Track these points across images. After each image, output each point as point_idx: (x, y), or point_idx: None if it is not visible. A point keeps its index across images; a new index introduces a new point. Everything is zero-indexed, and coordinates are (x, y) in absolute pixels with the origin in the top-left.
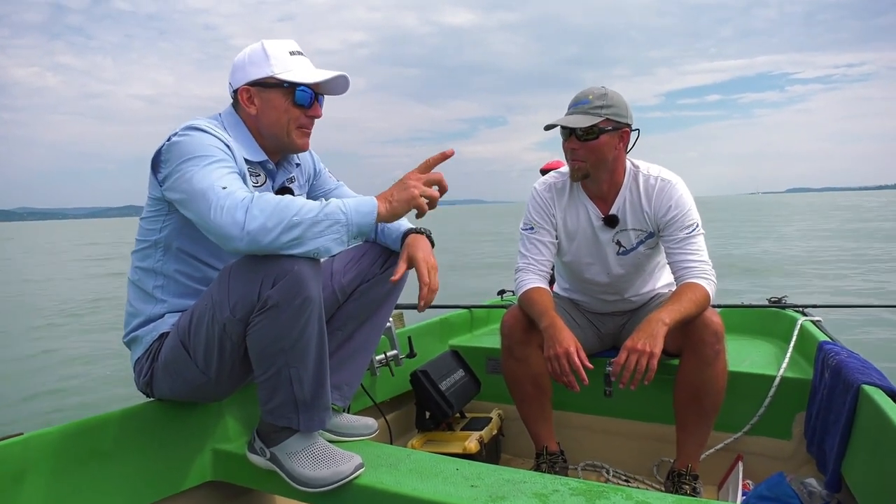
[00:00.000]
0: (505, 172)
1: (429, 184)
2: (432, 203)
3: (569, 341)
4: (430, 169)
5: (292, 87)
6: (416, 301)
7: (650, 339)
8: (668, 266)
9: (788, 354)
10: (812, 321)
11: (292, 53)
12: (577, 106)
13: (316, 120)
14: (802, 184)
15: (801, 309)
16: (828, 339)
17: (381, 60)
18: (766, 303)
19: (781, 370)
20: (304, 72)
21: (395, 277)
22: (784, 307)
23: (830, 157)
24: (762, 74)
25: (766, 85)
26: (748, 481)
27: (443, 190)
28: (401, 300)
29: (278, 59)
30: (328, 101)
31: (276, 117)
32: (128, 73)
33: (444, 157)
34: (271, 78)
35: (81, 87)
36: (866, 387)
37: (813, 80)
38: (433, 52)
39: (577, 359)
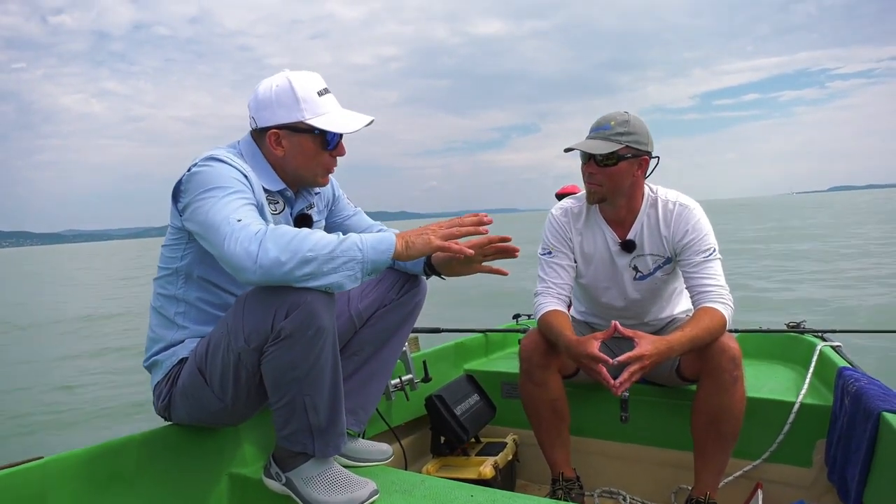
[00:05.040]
0: (538, 180)
1: (449, 231)
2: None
3: (589, 347)
4: (460, 227)
5: (323, 133)
6: (430, 325)
7: (657, 357)
8: (685, 291)
9: (808, 380)
10: (831, 346)
11: (320, 93)
12: (598, 131)
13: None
14: (846, 182)
15: (819, 334)
16: (847, 365)
17: (413, 73)
18: (785, 327)
19: (801, 396)
20: (334, 118)
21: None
22: (803, 332)
23: (875, 153)
24: (801, 71)
25: (806, 82)
26: None
27: (467, 224)
28: (416, 324)
29: (308, 103)
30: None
31: (305, 160)
32: (168, 95)
33: (480, 221)
34: (302, 123)
35: (125, 112)
36: (887, 414)
37: (855, 74)
38: (464, 63)
39: (599, 354)
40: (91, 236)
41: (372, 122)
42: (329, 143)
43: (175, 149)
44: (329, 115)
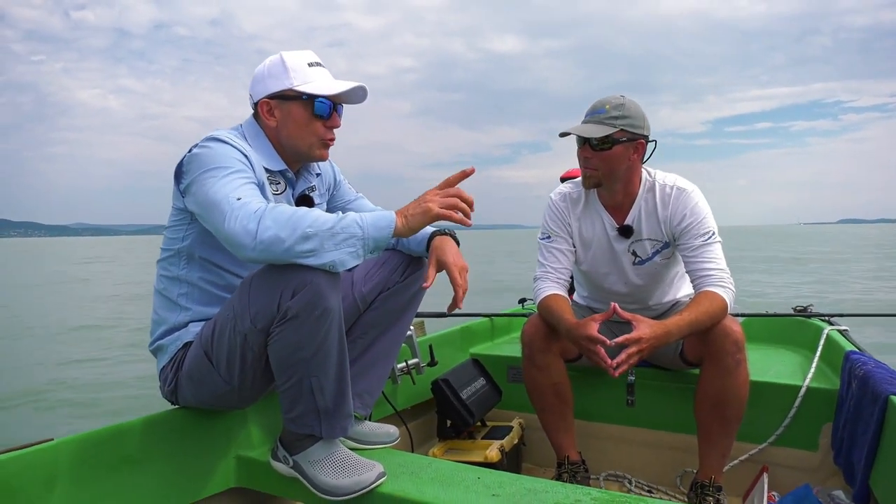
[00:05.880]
0: (547, 198)
1: (448, 199)
2: (466, 215)
3: (587, 329)
4: (450, 186)
5: (311, 98)
6: (437, 310)
7: (654, 341)
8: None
9: (814, 364)
10: (839, 330)
11: (311, 65)
12: (593, 115)
13: (359, 141)
14: (855, 215)
15: (826, 318)
16: (855, 349)
17: (428, 85)
18: (791, 311)
19: (807, 380)
20: (322, 83)
21: (427, 284)
22: (809, 316)
23: (886, 187)
24: (814, 102)
25: (819, 113)
26: (773, 493)
27: (468, 202)
28: (422, 308)
29: (297, 72)
30: (372, 122)
31: (296, 129)
32: (184, 95)
33: (465, 175)
34: (290, 90)
35: (141, 109)
36: (895, 398)
37: (869, 108)
38: (479, 78)
39: (597, 335)
40: (98, 230)
41: (362, 87)
42: (321, 112)
43: (186, 147)
44: (317, 82)
